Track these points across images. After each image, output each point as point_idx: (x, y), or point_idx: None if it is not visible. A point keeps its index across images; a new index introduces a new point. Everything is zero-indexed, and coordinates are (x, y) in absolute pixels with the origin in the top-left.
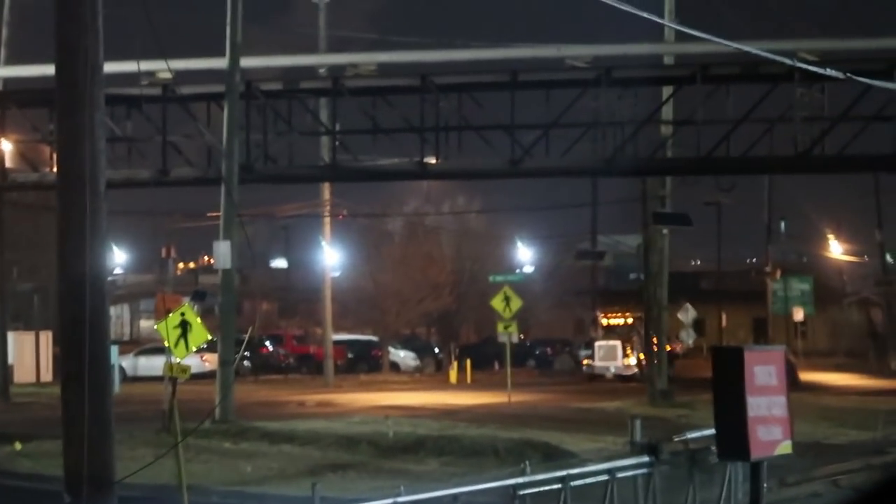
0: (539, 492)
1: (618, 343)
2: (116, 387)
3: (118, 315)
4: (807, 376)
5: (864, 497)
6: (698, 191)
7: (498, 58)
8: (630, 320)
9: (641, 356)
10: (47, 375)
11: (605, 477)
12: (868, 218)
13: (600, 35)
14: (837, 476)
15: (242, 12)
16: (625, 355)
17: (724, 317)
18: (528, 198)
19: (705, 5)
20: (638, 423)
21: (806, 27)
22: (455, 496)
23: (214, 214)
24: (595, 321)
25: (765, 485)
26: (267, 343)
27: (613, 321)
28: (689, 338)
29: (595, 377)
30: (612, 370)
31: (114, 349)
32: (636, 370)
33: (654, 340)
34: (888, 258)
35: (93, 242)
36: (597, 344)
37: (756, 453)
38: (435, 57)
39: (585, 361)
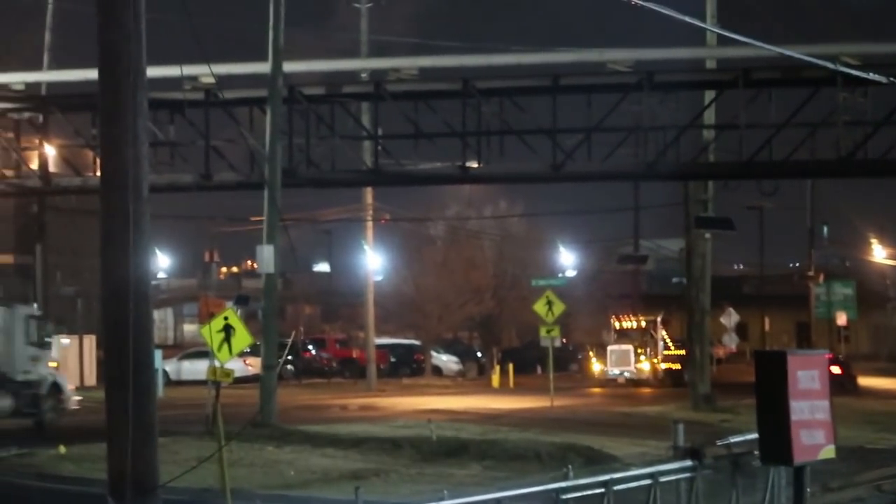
0: (582, 496)
1: (630, 347)
2: (160, 391)
3: (161, 319)
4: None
5: None
6: (740, 195)
7: (539, 62)
8: (644, 323)
9: (655, 360)
10: (91, 379)
11: (648, 481)
12: None
13: (642, 39)
14: (881, 481)
15: (285, 17)
16: (637, 360)
17: (766, 321)
18: (569, 202)
19: (747, 9)
20: (681, 427)
21: (848, 30)
22: (498, 500)
23: (257, 219)
24: (609, 325)
25: (808, 489)
26: (310, 347)
27: (627, 324)
28: (731, 342)
29: (607, 382)
30: (626, 375)
31: (157, 353)
32: (649, 375)
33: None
34: None
35: (136, 246)
36: (609, 348)
37: (799, 458)
38: (476, 61)
39: (597, 367)
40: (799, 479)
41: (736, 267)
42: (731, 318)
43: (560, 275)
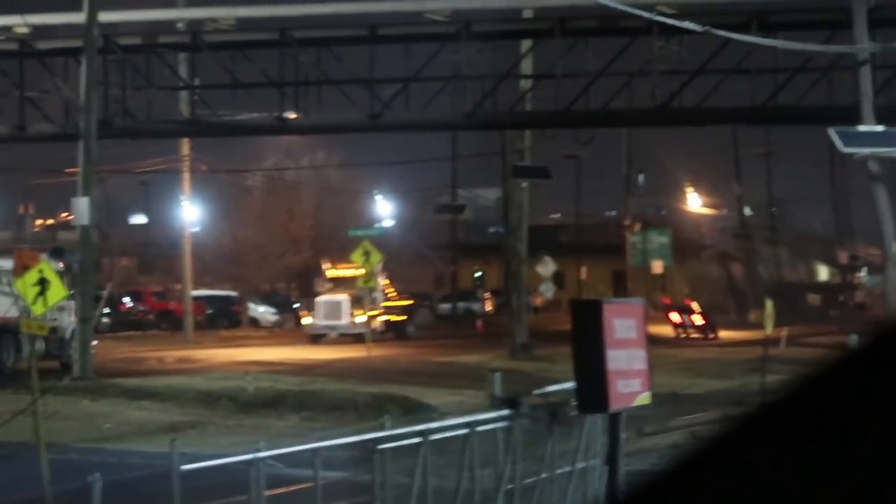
0: (399, 446)
1: (344, 298)
2: None
3: None
4: (665, 330)
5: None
6: (558, 144)
7: (357, 12)
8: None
9: (374, 311)
10: None
11: (464, 431)
12: (726, 171)
13: None
14: (695, 427)
15: None
16: (352, 312)
17: (583, 270)
18: (387, 153)
19: None
20: (498, 376)
21: None
22: (315, 451)
23: (73, 171)
24: (321, 273)
25: (623, 435)
26: (126, 299)
27: (342, 272)
28: (548, 291)
29: (317, 338)
30: (338, 329)
31: None
32: (367, 328)
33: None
34: (746, 211)
35: None
36: (318, 300)
37: (615, 405)
38: (294, 11)
39: (306, 319)
40: (613, 426)
41: (553, 216)
42: (547, 266)
43: (377, 225)
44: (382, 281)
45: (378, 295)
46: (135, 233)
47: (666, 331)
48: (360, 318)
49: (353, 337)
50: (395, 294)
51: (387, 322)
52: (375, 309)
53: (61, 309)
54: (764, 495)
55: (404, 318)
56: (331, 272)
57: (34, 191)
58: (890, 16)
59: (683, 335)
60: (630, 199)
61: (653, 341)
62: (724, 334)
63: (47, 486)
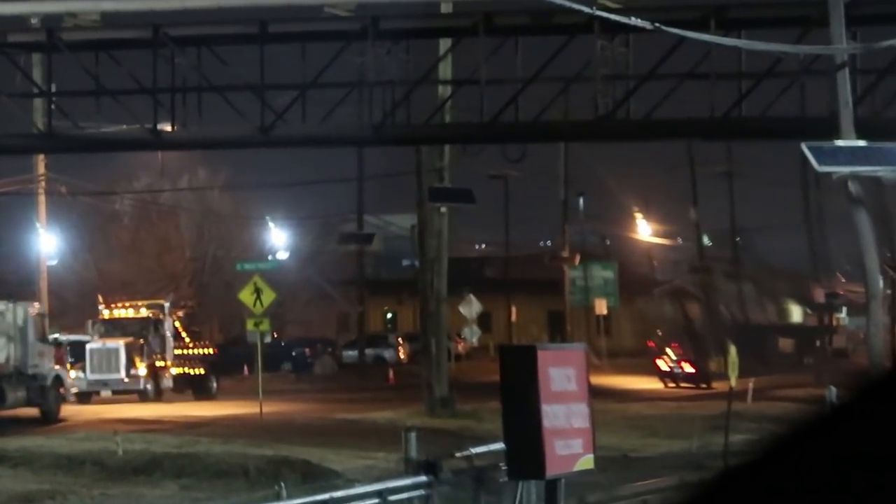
0: None
1: (120, 345)
2: None
3: None
4: (611, 381)
5: None
6: (482, 162)
7: (245, 5)
8: (145, 311)
9: (159, 363)
10: None
11: (375, 500)
12: (681, 194)
13: None
14: (646, 495)
15: None
16: (132, 363)
17: (513, 311)
18: (281, 172)
19: None
20: (413, 436)
21: None
22: None
23: None
24: (98, 314)
25: None
26: None
27: (120, 312)
28: (472, 335)
29: (85, 396)
30: (111, 385)
31: None
32: (147, 383)
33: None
34: (704, 241)
35: None
36: (89, 347)
37: (552, 470)
38: (169, 4)
39: (73, 373)
40: (551, 494)
41: (478, 247)
42: (471, 306)
43: (270, 257)
44: (173, 321)
45: (169, 341)
46: None
47: (642, 383)
48: (140, 370)
49: (136, 394)
50: (191, 341)
51: (181, 376)
52: (164, 360)
53: (41, 354)
54: None
55: (201, 371)
56: (105, 311)
57: None
58: (871, 11)
59: (672, 385)
60: (568, 227)
61: (636, 397)
62: (679, 388)
63: None
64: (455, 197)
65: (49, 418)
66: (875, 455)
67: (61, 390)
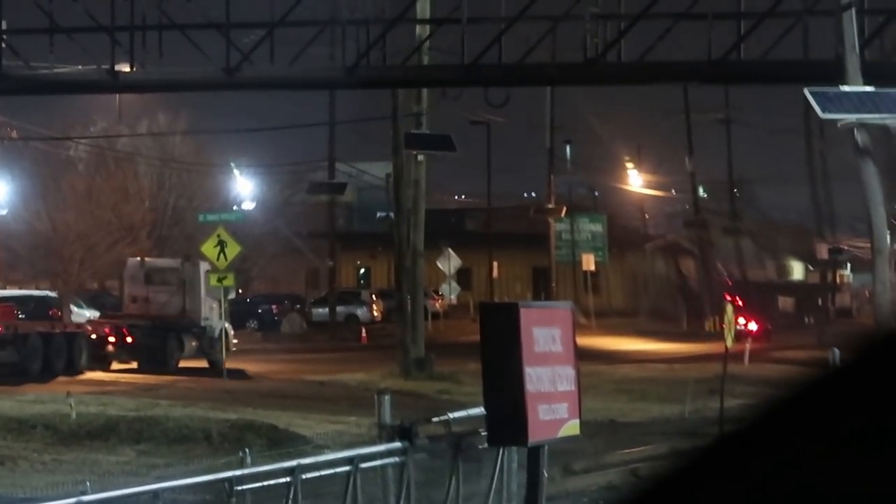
0: (263, 486)
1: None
2: None
3: None
4: (599, 342)
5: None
6: (463, 107)
7: None
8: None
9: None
10: None
11: (346, 467)
12: (676, 143)
13: None
14: (636, 464)
15: None
16: None
17: (495, 266)
18: (247, 117)
19: None
20: (387, 399)
21: None
22: (156, 493)
23: None
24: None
25: (545, 473)
26: None
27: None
28: (451, 292)
29: None
30: None
31: None
32: None
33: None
34: (700, 193)
35: None
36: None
37: (535, 436)
38: None
39: None
40: (534, 462)
41: (457, 198)
42: (450, 261)
43: (235, 208)
44: None
45: None
46: None
47: (632, 344)
48: None
49: None
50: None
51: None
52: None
53: (212, 308)
54: None
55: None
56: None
57: None
58: None
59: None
60: (554, 177)
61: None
62: (673, 347)
63: None
64: (433, 144)
65: (216, 367)
66: (880, 424)
67: (228, 341)
